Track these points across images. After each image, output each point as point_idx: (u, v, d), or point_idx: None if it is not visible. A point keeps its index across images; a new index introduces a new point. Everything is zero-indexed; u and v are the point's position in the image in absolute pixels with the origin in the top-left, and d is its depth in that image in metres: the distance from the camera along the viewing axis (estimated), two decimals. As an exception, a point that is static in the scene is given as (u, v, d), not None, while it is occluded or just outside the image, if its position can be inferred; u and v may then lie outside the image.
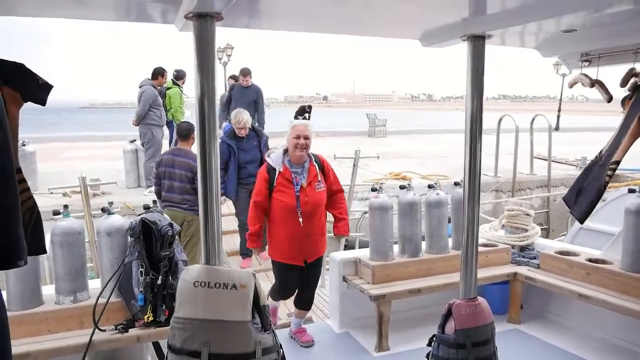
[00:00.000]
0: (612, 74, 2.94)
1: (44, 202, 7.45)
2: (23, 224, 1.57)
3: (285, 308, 5.07)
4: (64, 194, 8.12)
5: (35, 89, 1.67)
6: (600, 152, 2.93)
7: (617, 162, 2.75)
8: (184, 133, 5.13)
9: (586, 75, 2.82)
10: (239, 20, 2.19)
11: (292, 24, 2.40)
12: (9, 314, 2.65)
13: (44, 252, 1.80)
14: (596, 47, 2.72)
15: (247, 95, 8.41)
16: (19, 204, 1.55)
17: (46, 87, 1.72)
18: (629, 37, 2.48)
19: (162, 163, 5.07)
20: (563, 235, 7.27)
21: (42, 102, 1.74)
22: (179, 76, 9.10)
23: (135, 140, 8.94)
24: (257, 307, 2.13)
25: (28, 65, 1.71)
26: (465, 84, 2.41)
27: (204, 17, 1.90)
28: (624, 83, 2.79)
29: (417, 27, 2.45)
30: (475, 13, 2.14)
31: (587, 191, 2.88)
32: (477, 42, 2.32)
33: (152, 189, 8.24)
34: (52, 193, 8.13)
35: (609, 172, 2.75)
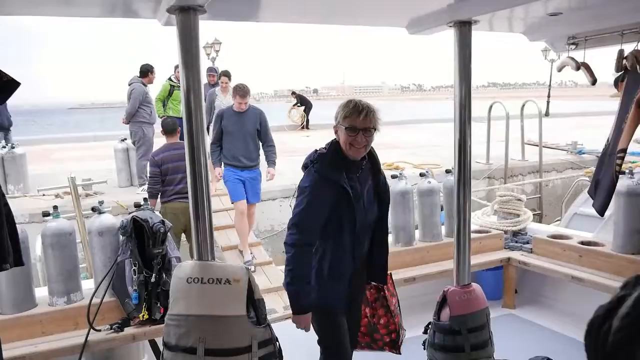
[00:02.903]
0: (602, 56, 2.95)
1: (36, 205, 7.40)
2: None
3: (282, 300, 5.07)
4: (57, 195, 8.04)
5: None
6: (608, 139, 2.94)
7: (624, 150, 2.76)
8: (170, 128, 5.38)
9: (572, 59, 2.83)
10: (223, 13, 2.17)
11: (276, 15, 2.39)
12: (1, 317, 2.64)
13: (21, 264, 1.74)
14: (583, 29, 2.72)
15: (245, 122, 5.38)
16: (2, 209, 1.53)
17: (12, 85, 1.62)
18: (614, 18, 2.48)
19: (165, 161, 5.16)
20: (558, 220, 7.32)
21: (1, 100, 1.65)
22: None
23: (126, 139, 8.86)
24: (252, 301, 2.13)
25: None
26: (453, 71, 2.41)
27: (186, 10, 1.88)
28: (619, 68, 2.79)
29: (403, 15, 2.44)
30: (461, -2, 2.13)
31: (602, 182, 2.93)
32: (464, 28, 2.31)
33: (145, 187, 8.21)
34: (43, 195, 8.07)
35: (618, 161, 2.76)
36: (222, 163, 5.48)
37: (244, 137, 5.39)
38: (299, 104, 20.30)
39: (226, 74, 7.96)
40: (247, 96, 5.38)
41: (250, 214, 5.75)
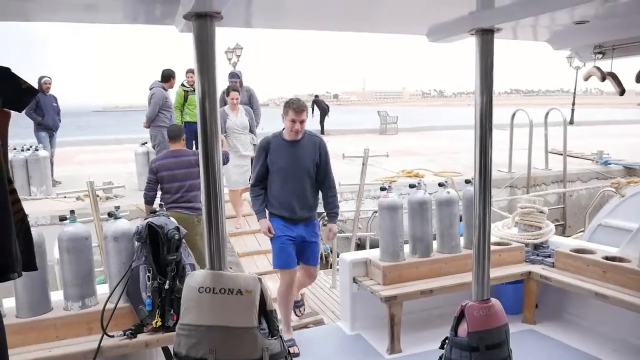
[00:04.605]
0: (628, 64, 2.85)
1: (58, 207, 7.53)
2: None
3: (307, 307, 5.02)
4: (78, 198, 8.17)
5: (16, 94, 1.62)
6: None
7: None
8: (174, 134, 5.21)
9: (598, 69, 2.75)
10: (240, 20, 2.16)
11: (294, 21, 2.36)
12: (17, 320, 2.66)
13: (34, 269, 1.74)
14: (610, 38, 2.63)
15: (301, 156, 3.82)
16: (11, 215, 1.53)
17: (30, 92, 1.66)
18: (643, 27, 2.39)
19: (160, 168, 5.00)
20: (581, 231, 7.14)
21: (19, 109, 1.68)
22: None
23: (146, 143, 8.98)
24: (264, 312, 2.09)
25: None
26: (474, 79, 2.35)
27: (203, 17, 1.87)
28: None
29: (424, 23, 2.39)
30: (483, 6, 2.07)
31: None
32: (486, 37, 2.25)
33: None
34: (65, 197, 8.21)
35: None
36: (268, 212, 3.93)
37: (300, 177, 3.79)
38: (312, 114, 20.36)
39: (235, 89, 6.91)
40: (304, 112, 3.73)
41: (309, 274, 4.09)
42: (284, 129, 3.81)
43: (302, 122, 3.71)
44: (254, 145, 6.80)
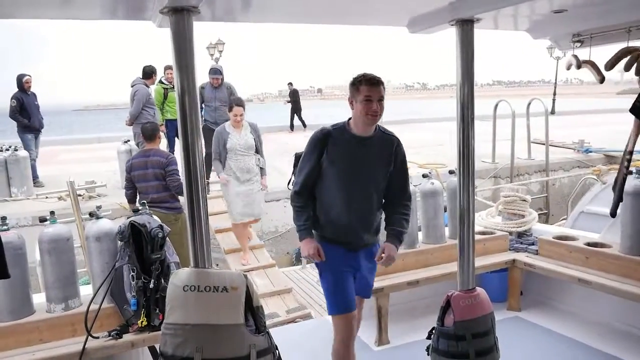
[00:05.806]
0: (607, 53, 2.88)
1: (39, 207, 7.40)
2: None
3: (284, 304, 5.03)
4: (59, 198, 8.05)
5: None
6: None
7: (631, 152, 2.88)
8: (149, 134, 5.02)
9: (575, 57, 2.78)
10: (218, 14, 2.13)
11: (274, 15, 2.34)
12: (-1, 324, 2.61)
13: (6, 276, 1.70)
14: (588, 27, 2.66)
15: (373, 156, 2.70)
16: None
17: None
18: (620, 15, 2.42)
19: (133, 167, 4.90)
20: (563, 219, 7.24)
21: None
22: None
23: (129, 141, 8.84)
24: (250, 308, 2.08)
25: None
26: (455, 70, 2.35)
27: (180, 12, 1.84)
28: (628, 67, 2.72)
29: (404, 14, 2.39)
30: (462, -4, 2.08)
31: (615, 184, 3.02)
32: (466, 27, 2.26)
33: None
34: (46, 197, 8.08)
35: (625, 163, 2.90)
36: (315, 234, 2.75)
37: (367, 187, 2.69)
38: (288, 100, 19.50)
39: (240, 104, 5.64)
40: (382, 87, 2.62)
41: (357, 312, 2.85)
42: (349, 119, 2.70)
43: (380, 100, 2.59)
44: (261, 168, 5.72)
